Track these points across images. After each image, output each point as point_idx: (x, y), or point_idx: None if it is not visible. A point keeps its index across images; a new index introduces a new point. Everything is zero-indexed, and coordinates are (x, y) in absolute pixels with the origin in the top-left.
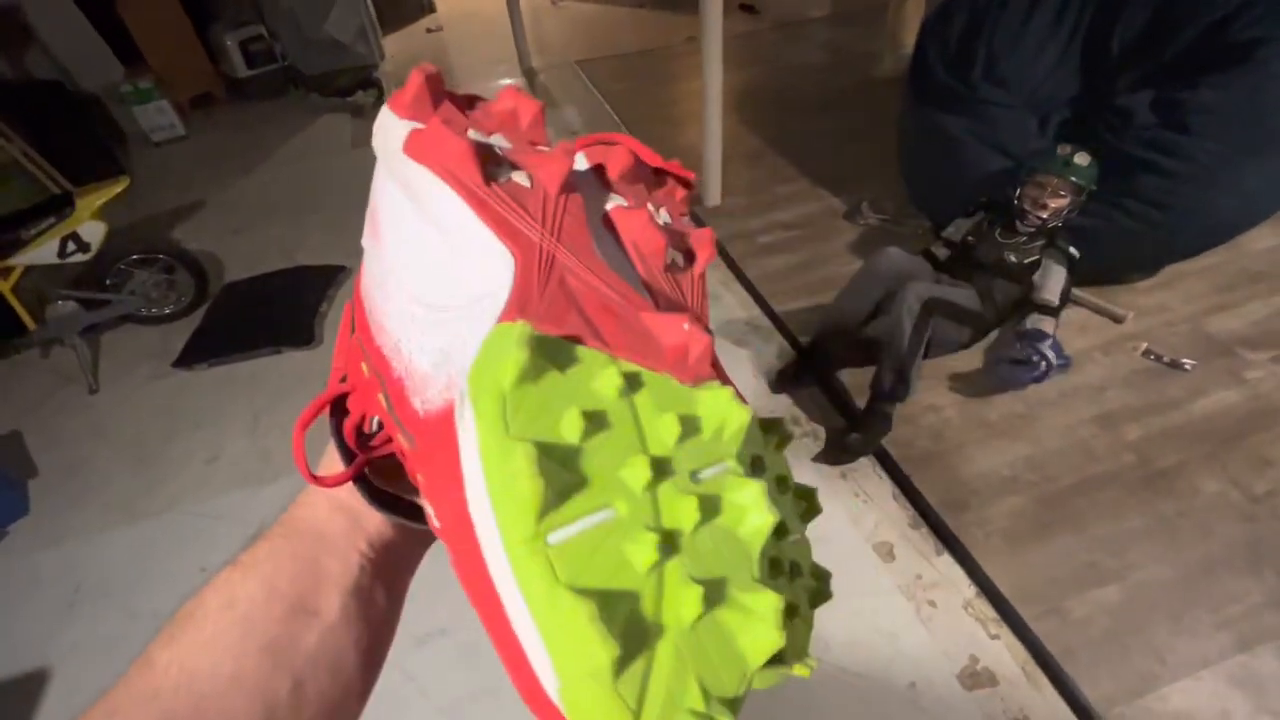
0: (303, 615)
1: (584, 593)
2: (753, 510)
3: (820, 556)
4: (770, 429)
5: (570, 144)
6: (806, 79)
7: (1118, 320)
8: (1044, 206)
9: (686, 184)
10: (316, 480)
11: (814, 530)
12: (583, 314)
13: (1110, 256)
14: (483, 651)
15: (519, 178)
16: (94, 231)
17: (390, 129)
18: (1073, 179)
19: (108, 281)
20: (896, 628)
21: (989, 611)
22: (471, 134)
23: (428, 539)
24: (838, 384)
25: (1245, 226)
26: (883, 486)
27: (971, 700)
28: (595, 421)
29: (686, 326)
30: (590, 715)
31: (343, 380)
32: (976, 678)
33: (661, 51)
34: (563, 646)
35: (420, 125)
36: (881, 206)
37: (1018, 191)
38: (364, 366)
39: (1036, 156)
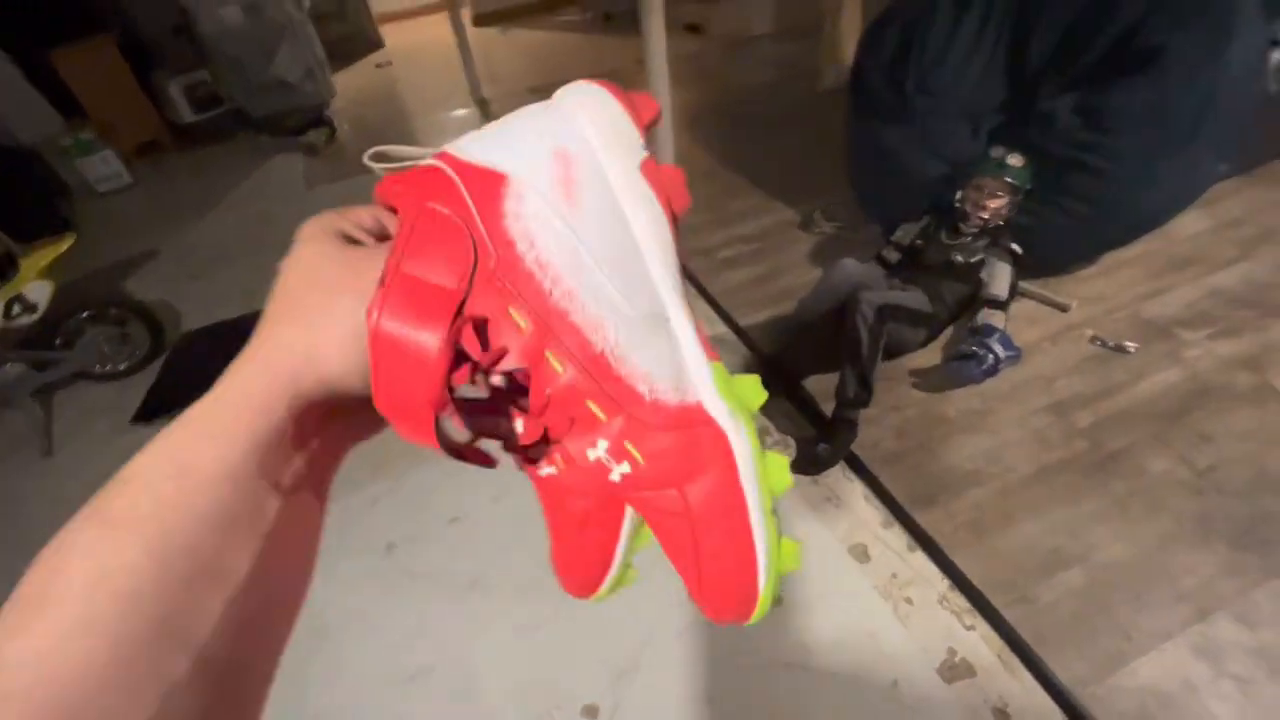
0: (204, 581)
1: (779, 540)
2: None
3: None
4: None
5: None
6: (754, 95)
7: (1063, 309)
8: (984, 207)
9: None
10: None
11: (792, 535)
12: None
13: (1051, 250)
14: (470, 688)
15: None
16: (40, 291)
17: (625, 130)
18: (1008, 179)
19: (58, 340)
20: (876, 627)
21: (963, 603)
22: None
23: (366, 430)
24: (804, 393)
25: (1168, 216)
26: (853, 489)
27: (952, 692)
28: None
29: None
30: (766, 602)
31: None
32: (955, 670)
33: (611, 75)
34: (774, 567)
35: (647, 154)
36: (834, 215)
37: (959, 195)
38: (514, 313)
39: (973, 161)
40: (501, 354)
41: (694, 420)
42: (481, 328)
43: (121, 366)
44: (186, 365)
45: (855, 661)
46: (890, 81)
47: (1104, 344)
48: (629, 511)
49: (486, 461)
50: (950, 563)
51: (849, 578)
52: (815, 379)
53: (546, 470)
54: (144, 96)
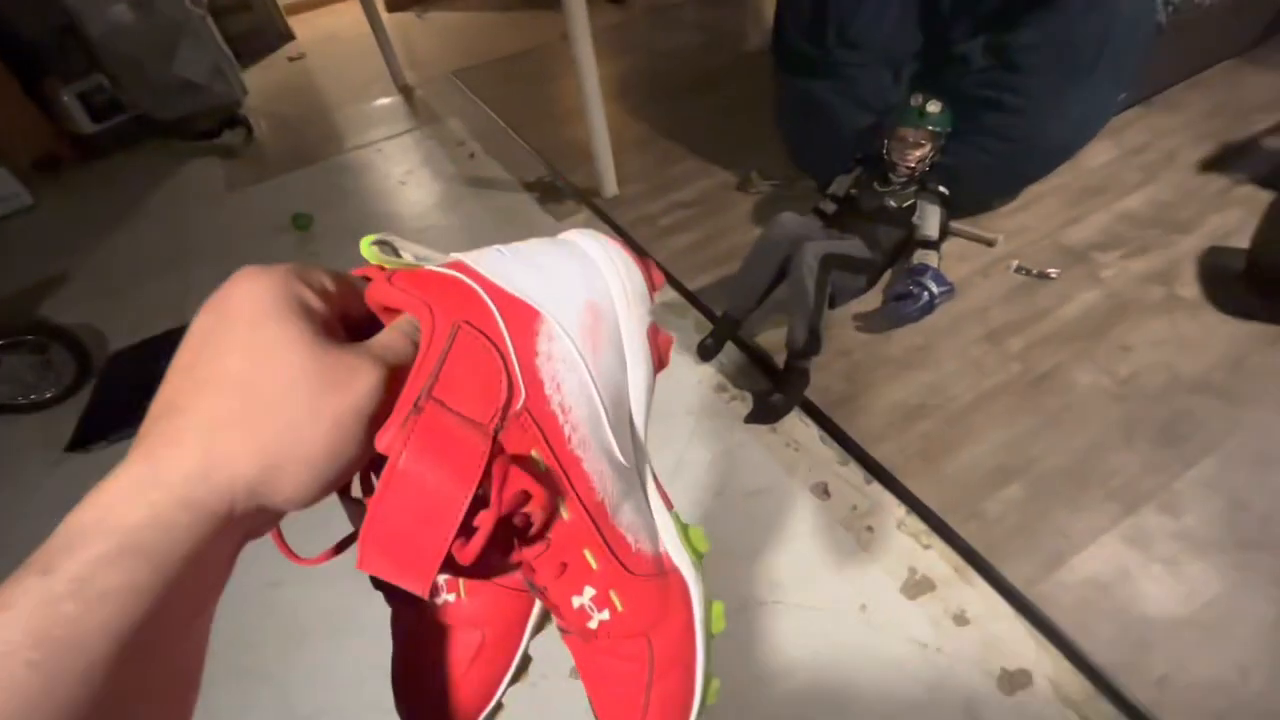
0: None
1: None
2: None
3: (764, 506)
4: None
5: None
6: (681, 61)
7: (990, 244)
8: (909, 155)
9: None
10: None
11: (756, 482)
12: None
13: (975, 188)
14: None
15: None
16: None
17: (642, 296)
18: (929, 127)
19: None
20: (841, 558)
21: (919, 525)
22: None
23: (260, 533)
24: (756, 347)
25: (1079, 145)
26: (809, 432)
27: (916, 607)
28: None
29: None
30: None
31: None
32: (918, 586)
33: (537, 52)
34: (703, 702)
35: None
36: (770, 174)
37: (885, 145)
38: (536, 455)
39: (895, 110)
40: (523, 500)
41: (665, 569)
42: (506, 471)
43: (47, 395)
44: (119, 387)
45: (825, 592)
46: (810, 36)
47: (1029, 272)
48: (521, 647)
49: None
50: (905, 490)
51: (812, 515)
52: (765, 333)
53: (444, 598)
54: (35, 108)
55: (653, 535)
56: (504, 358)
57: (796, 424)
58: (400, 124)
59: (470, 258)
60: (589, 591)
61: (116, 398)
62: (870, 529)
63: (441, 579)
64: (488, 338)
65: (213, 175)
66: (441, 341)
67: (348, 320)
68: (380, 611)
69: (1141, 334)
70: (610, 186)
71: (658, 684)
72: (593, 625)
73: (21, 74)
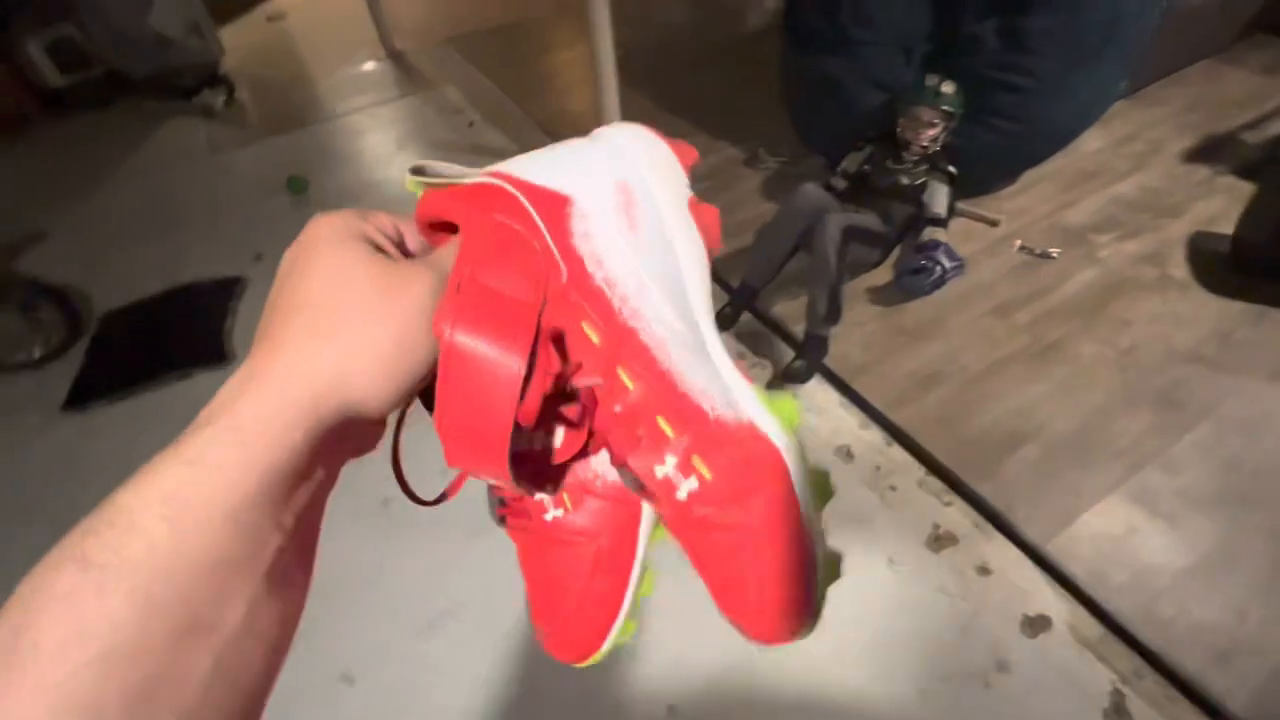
0: (193, 635)
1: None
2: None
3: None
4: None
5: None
6: (680, 37)
7: (993, 224)
8: (922, 134)
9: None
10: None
11: (781, 445)
12: None
13: (981, 169)
14: (495, 623)
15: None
16: None
17: (674, 169)
18: (943, 107)
19: None
20: (867, 514)
21: (939, 485)
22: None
23: (363, 449)
24: (774, 316)
25: (1082, 129)
26: (830, 398)
27: (940, 559)
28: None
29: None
30: (818, 614)
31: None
32: (941, 541)
33: (532, 23)
34: (824, 581)
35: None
36: (777, 150)
37: (899, 124)
38: (587, 328)
39: (909, 90)
40: (577, 368)
41: (750, 437)
42: (558, 341)
43: (36, 353)
44: (115, 346)
45: (854, 546)
46: (824, 13)
47: (1031, 252)
48: (639, 553)
49: (538, 484)
50: (925, 452)
51: (837, 475)
52: (783, 303)
53: (553, 513)
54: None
55: (732, 404)
56: (540, 241)
57: (817, 390)
58: (392, 90)
59: (500, 165)
60: (670, 460)
61: (113, 357)
62: (893, 488)
63: (546, 497)
64: (522, 228)
65: (194, 136)
66: (478, 233)
67: (407, 254)
68: (408, 566)
69: (1138, 310)
70: None
71: (765, 552)
72: (681, 496)
73: None
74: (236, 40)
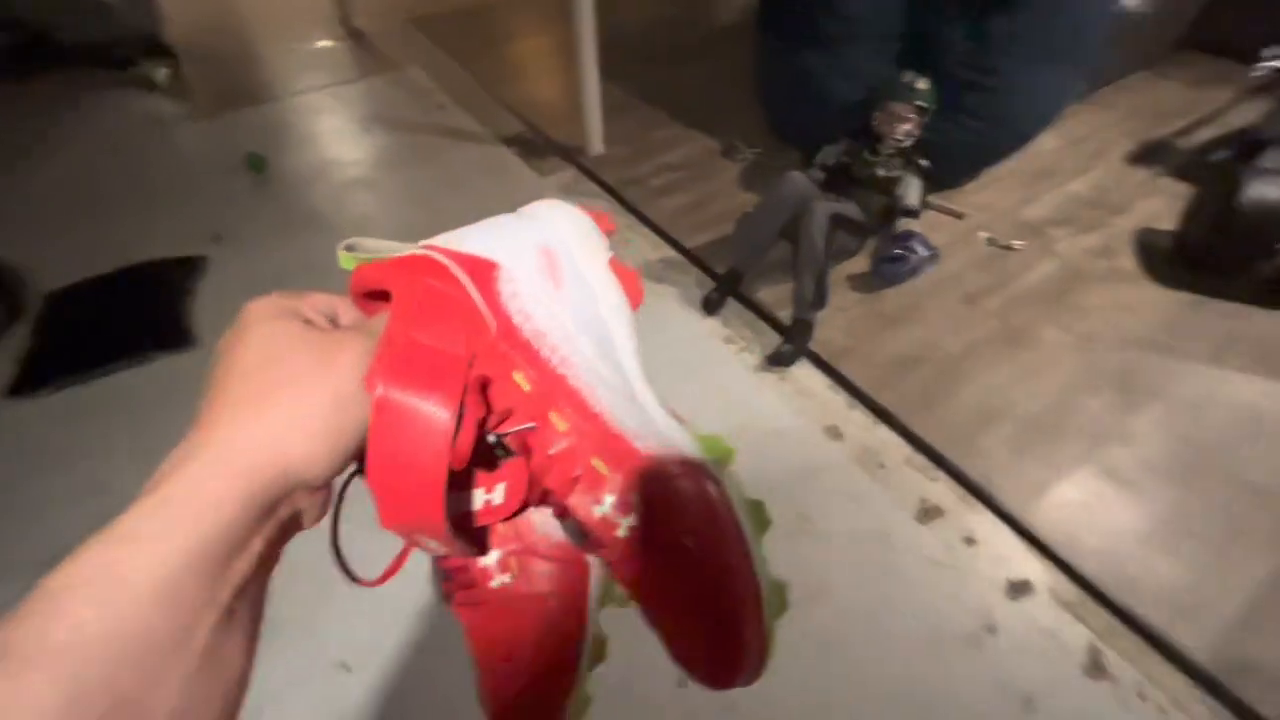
0: (125, 716)
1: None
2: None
3: (782, 448)
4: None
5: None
6: (656, 30)
7: (959, 217)
8: (897, 129)
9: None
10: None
11: (774, 425)
12: None
13: (950, 163)
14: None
15: None
16: None
17: (594, 234)
18: (918, 102)
19: None
20: (858, 492)
21: (924, 462)
22: None
23: (309, 521)
24: (758, 301)
25: (1041, 129)
26: (817, 380)
27: (929, 530)
28: None
29: None
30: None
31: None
32: (929, 513)
33: (500, 7)
34: (772, 612)
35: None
36: (753, 142)
37: (875, 118)
38: (518, 376)
39: (885, 85)
40: (507, 414)
41: (684, 470)
42: (485, 390)
43: None
44: (65, 328)
45: (846, 520)
46: (803, 8)
47: (997, 244)
48: (589, 618)
49: (480, 545)
50: (910, 430)
51: (827, 454)
52: (767, 289)
53: (500, 579)
54: None
55: (664, 442)
56: (468, 300)
57: (804, 374)
58: (352, 69)
59: (430, 240)
60: (608, 499)
61: (63, 339)
62: (882, 465)
63: (493, 559)
64: (452, 290)
65: (136, 110)
66: (409, 295)
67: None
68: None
69: (1093, 298)
70: (596, 145)
71: (709, 586)
72: (621, 533)
73: None
74: (179, 7)
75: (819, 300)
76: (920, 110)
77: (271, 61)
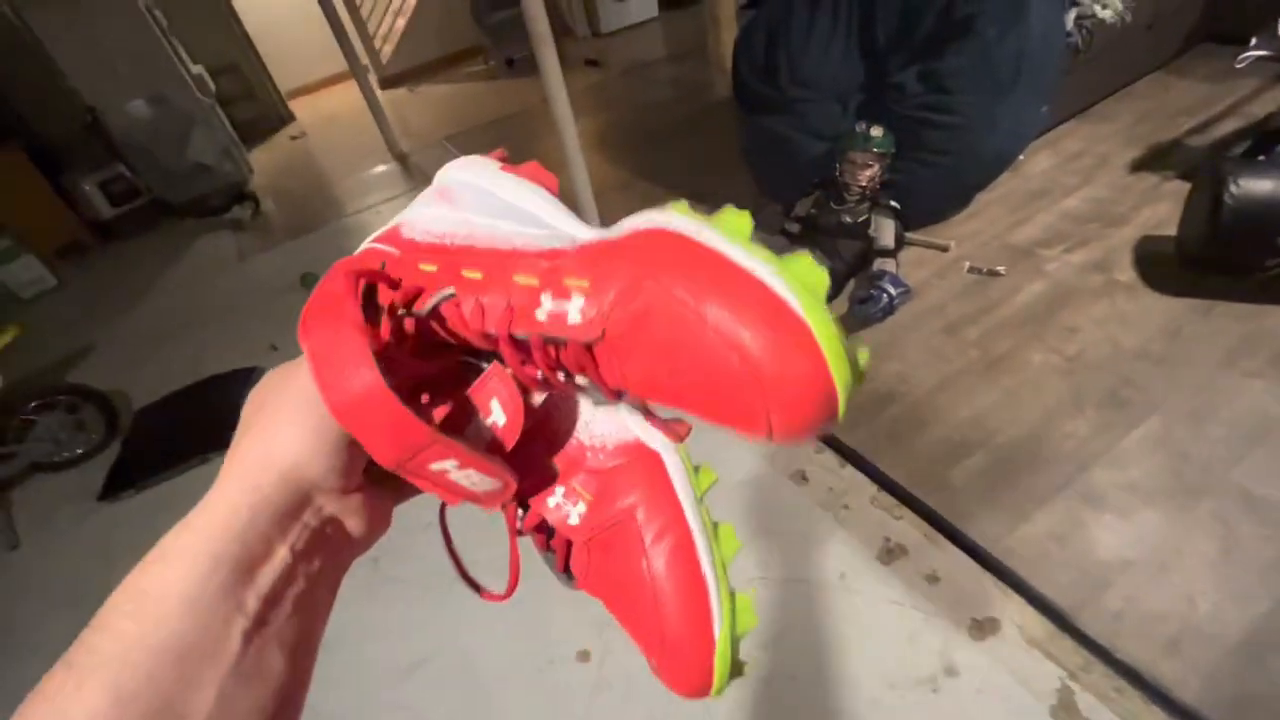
0: (166, 717)
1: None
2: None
3: (747, 495)
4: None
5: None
6: (655, 113)
7: (944, 250)
8: (860, 176)
9: None
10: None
11: (741, 472)
12: None
13: (926, 200)
14: (474, 668)
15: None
16: None
17: (481, 161)
18: (874, 149)
19: (9, 436)
20: (820, 534)
21: (890, 500)
22: None
23: (364, 540)
24: None
25: (1012, 155)
26: None
27: (891, 571)
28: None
29: None
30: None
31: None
32: (891, 553)
33: (522, 114)
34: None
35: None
36: (740, 204)
37: (837, 169)
38: (423, 265)
39: (843, 138)
40: (418, 291)
41: (629, 234)
42: (396, 286)
43: (78, 452)
44: (146, 438)
45: (807, 565)
46: (765, 79)
47: (980, 271)
48: (685, 501)
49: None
50: (876, 470)
51: (792, 499)
52: None
53: (574, 510)
54: (58, 199)
55: (615, 230)
56: (375, 254)
57: None
58: (397, 187)
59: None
60: (546, 298)
61: (142, 449)
62: (846, 507)
63: (559, 495)
64: (365, 259)
65: (224, 247)
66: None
67: None
68: (392, 617)
69: (1085, 316)
70: (592, 220)
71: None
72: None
73: (46, 169)
74: (265, 160)
75: None
76: (879, 155)
77: (335, 190)
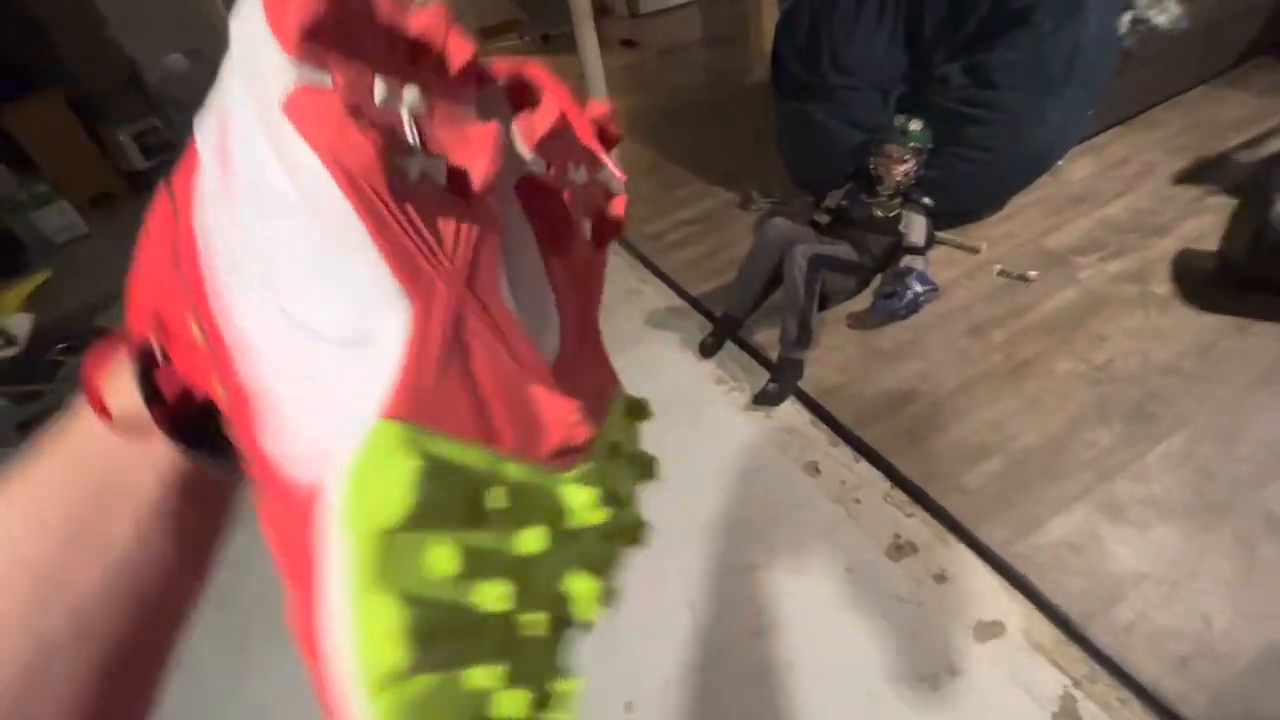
0: (81, 546)
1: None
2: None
3: (759, 483)
4: (633, 410)
5: (498, 91)
6: (689, 96)
7: (975, 251)
8: (894, 170)
9: (610, 140)
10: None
11: (752, 462)
12: (477, 397)
13: (961, 198)
14: None
15: (434, 170)
16: (20, 324)
17: (267, 58)
18: (911, 144)
19: (38, 376)
20: (829, 526)
21: (903, 497)
22: (378, 90)
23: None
24: (754, 344)
25: (1054, 157)
26: (802, 417)
27: (898, 568)
28: (474, 560)
29: (576, 419)
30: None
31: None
32: (901, 550)
33: None
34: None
35: (313, 77)
36: (769, 192)
37: (871, 161)
38: (194, 327)
39: (880, 129)
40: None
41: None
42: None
43: None
44: None
45: (814, 556)
46: (806, 64)
47: (1009, 275)
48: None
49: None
50: (891, 466)
51: (803, 490)
52: (765, 332)
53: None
54: (94, 149)
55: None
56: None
57: (790, 411)
58: None
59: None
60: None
61: None
62: (858, 500)
63: None
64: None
65: None
66: None
67: None
68: None
69: (1116, 326)
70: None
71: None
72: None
73: (85, 120)
74: None
75: (803, 340)
76: (915, 150)
77: None
